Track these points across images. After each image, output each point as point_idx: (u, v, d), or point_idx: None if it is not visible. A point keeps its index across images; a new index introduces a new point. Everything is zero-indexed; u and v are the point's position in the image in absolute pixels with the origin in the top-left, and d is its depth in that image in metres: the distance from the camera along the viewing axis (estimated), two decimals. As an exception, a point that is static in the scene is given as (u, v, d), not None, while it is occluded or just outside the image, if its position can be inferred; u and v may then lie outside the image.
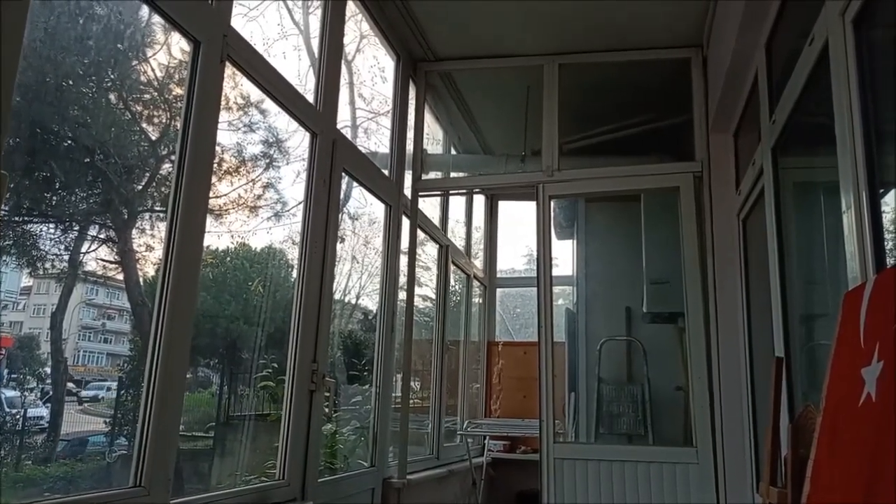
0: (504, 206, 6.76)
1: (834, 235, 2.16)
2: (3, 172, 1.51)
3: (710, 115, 4.01)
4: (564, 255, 5.92)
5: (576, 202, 5.51)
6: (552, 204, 4.28)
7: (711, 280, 3.84)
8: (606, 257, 5.39)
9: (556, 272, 4.16)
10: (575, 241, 5.58)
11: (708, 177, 3.98)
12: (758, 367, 3.45)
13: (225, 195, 5.27)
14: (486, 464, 5.41)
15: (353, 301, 9.52)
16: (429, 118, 4.96)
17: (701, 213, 3.95)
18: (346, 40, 3.66)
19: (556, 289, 4.23)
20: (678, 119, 4.43)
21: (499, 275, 6.62)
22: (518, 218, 7.06)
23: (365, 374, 4.54)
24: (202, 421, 5.05)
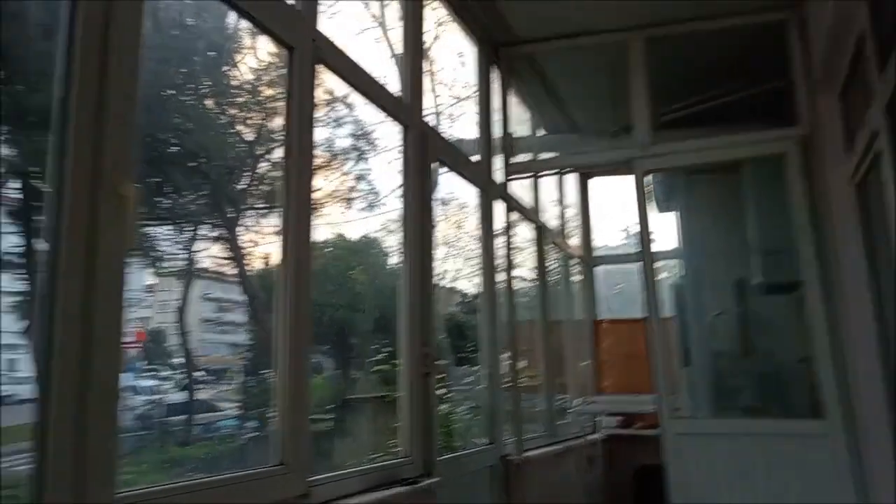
0: (597, 182, 6.64)
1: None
2: (136, 185, 1.64)
3: (812, 76, 3.76)
4: (667, 229, 5.76)
5: (675, 175, 5.33)
6: (649, 178, 4.17)
7: (831, 248, 3.63)
8: (713, 228, 5.19)
9: (659, 246, 4.07)
10: (677, 214, 5.41)
11: (815, 141, 3.76)
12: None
13: (320, 189, 5.46)
14: (602, 440, 5.39)
15: (451, 285, 9.67)
16: (514, 100, 4.93)
17: (810, 180, 3.74)
18: (424, 28, 3.68)
19: (660, 263, 4.14)
20: (778, 83, 4.18)
21: (596, 252, 6.51)
22: (613, 193, 6.92)
23: (473, 355, 4.62)
24: (319, 404, 5.30)
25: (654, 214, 4.20)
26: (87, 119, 1.50)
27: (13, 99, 3.57)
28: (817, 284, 3.62)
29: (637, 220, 4.02)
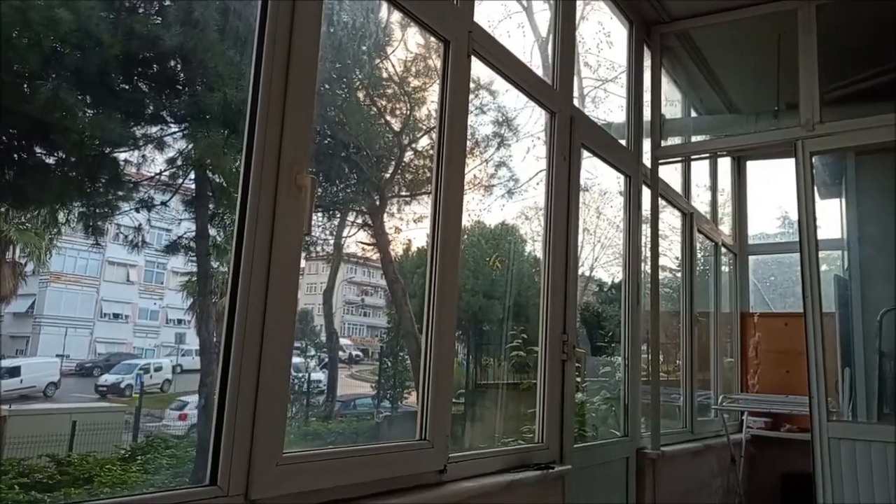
0: (752, 165, 6.24)
1: None
2: (312, 176, 1.79)
3: None
4: (829, 216, 5.31)
5: (843, 156, 4.88)
6: (813, 161, 3.86)
7: None
8: (885, 216, 4.71)
9: (820, 235, 3.76)
10: (843, 200, 4.96)
11: None
12: None
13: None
14: (746, 441, 5.11)
15: (588, 273, 9.52)
16: (665, 81, 4.75)
17: None
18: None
19: (821, 254, 3.83)
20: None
21: (750, 241, 6.14)
22: (768, 177, 6.46)
23: (609, 345, 4.55)
24: (452, 388, 5.48)
25: (817, 200, 3.88)
26: (272, 117, 1.68)
27: (192, 99, 3.99)
28: None
29: (798, 206, 3.74)
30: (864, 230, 4.76)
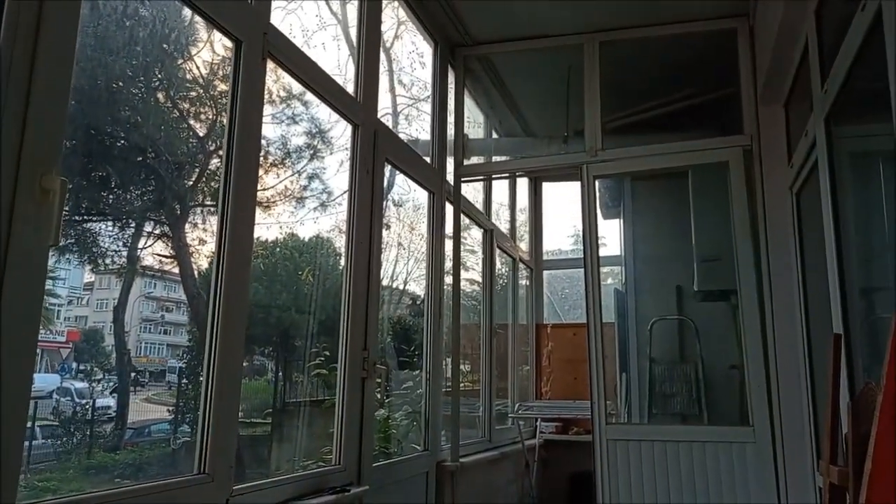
0: (549, 187, 6.71)
1: (894, 205, 2.09)
2: (62, 178, 1.57)
3: (758, 86, 3.88)
4: (612, 235, 5.86)
5: (622, 181, 5.43)
6: (597, 184, 4.23)
7: (765, 255, 3.74)
8: (655, 236, 5.31)
9: (603, 252, 4.12)
10: (622, 221, 5.51)
11: (758, 150, 3.87)
12: (816, 343, 3.36)
13: (272, 187, 5.36)
14: (539, 446, 5.42)
15: (401, 287, 9.61)
16: (469, 103, 4.95)
17: (752, 188, 3.85)
18: (383, 27, 3.66)
19: (604, 269, 4.21)
20: (725, 92, 4.31)
21: (545, 256, 6.58)
22: (563, 198, 6.98)
23: (415, 359, 4.59)
24: (260, 408, 5.15)
25: (601, 220, 4.26)
26: (13, 106, 1.44)
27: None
28: (753, 292, 3.72)
29: (582, 225, 4.07)
30: (639, 248, 5.32)
